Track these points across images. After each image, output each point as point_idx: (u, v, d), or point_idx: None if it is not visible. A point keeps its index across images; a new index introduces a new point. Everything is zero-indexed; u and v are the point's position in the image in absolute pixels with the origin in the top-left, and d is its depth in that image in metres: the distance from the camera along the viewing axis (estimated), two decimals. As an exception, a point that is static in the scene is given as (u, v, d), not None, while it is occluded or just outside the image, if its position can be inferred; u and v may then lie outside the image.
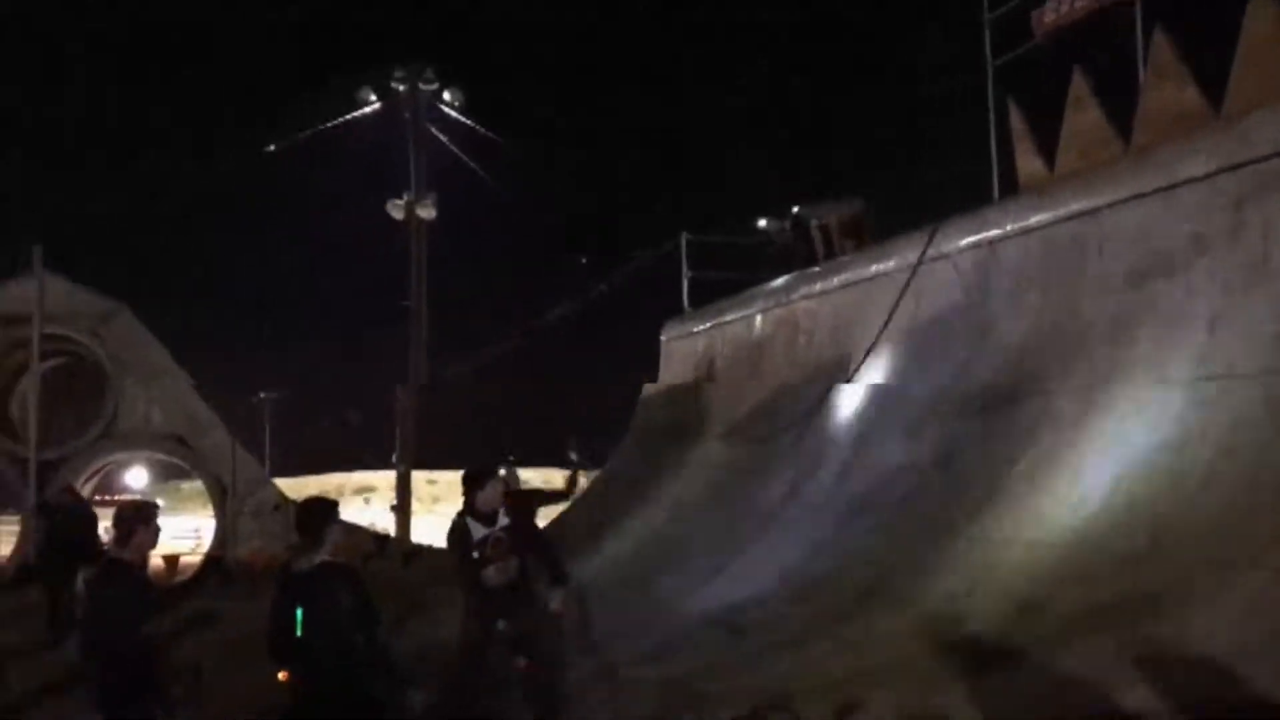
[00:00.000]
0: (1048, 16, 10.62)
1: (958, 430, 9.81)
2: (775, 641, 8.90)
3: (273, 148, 24.58)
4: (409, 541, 21.16)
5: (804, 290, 14.19)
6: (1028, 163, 11.08)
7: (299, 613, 5.78)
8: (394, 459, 23.80)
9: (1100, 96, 10.17)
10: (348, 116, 23.91)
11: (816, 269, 14.39)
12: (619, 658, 9.92)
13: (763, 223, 16.55)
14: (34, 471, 18.72)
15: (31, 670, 11.03)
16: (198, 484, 20.11)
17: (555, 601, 8.42)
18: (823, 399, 12.69)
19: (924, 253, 11.26)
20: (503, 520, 8.21)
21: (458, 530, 8.22)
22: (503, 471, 10.30)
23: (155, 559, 20.42)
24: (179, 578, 20.83)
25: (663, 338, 18.91)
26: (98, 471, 21.37)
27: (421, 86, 23.92)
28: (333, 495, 7.31)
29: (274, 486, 19.89)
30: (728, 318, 16.48)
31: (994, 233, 10.40)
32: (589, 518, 16.03)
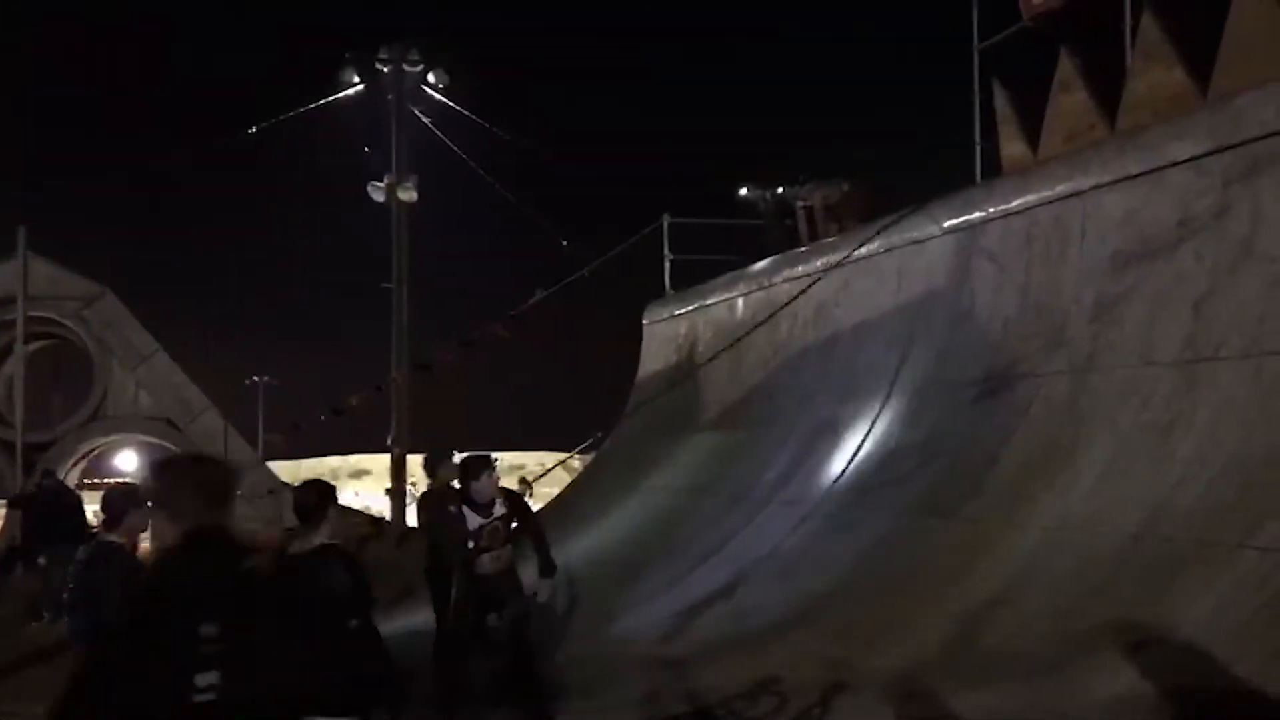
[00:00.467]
0: (1036, -1, 10.62)
1: (948, 413, 9.86)
2: (764, 625, 8.96)
3: (254, 129, 24.42)
4: (404, 524, 21.16)
5: (786, 273, 14.20)
6: (1012, 145, 11.09)
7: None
8: (389, 441, 23.78)
9: (1087, 79, 10.18)
10: (330, 98, 23.78)
11: (800, 250, 14.39)
12: (610, 640, 9.98)
13: (744, 191, 16.46)
14: (20, 455, 18.70)
15: (9, 646, 11.07)
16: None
17: (544, 593, 8.49)
18: (809, 384, 12.75)
19: (860, 244, 11.30)
20: (498, 509, 8.29)
21: (448, 515, 8.29)
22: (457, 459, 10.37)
23: (145, 542, 20.43)
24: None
25: (644, 320, 18.90)
26: (86, 455, 21.31)
27: (405, 68, 23.80)
28: (328, 479, 7.35)
29: (267, 470, 19.87)
30: (709, 300, 16.48)
31: (977, 214, 10.43)
32: (582, 501, 16.08)
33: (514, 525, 8.47)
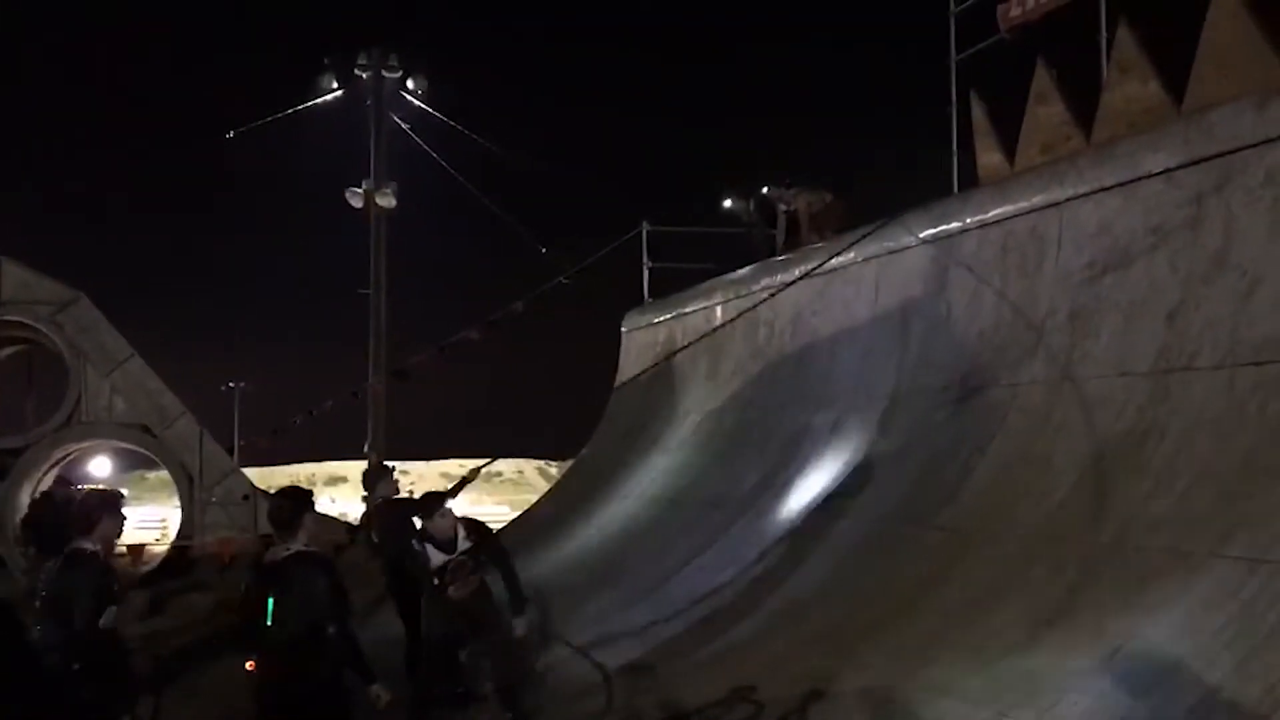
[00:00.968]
0: (1013, 11, 10.69)
1: (925, 422, 9.90)
2: (741, 634, 8.98)
3: (231, 134, 24.36)
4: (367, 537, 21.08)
5: (765, 281, 14.24)
6: (988, 156, 11.16)
7: (270, 601, 5.79)
8: (365, 448, 23.73)
9: (1063, 91, 10.26)
10: (310, 103, 23.74)
11: (778, 259, 14.42)
12: (586, 649, 9.98)
13: (728, 203, 16.46)
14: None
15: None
16: (164, 473, 19.90)
17: (520, 628, 8.53)
18: (786, 392, 12.78)
19: (837, 254, 11.35)
20: (463, 544, 8.34)
21: (415, 554, 8.42)
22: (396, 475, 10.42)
23: (120, 548, 20.27)
24: (144, 567, 20.65)
25: (623, 328, 18.92)
26: (60, 461, 21.14)
27: (385, 74, 23.78)
28: (304, 485, 7.35)
29: (243, 476, 19.77)
30: (688, 308, 16.51)
31: (954, 224, 10.49)
32: (561, 507, 16.08)
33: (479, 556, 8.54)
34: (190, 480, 19.13)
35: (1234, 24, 8.51)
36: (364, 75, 23.77)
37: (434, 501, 8.50)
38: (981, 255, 10.03)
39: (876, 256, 11.60)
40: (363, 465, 25.18)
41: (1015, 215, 9.65)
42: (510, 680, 8.54)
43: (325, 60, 24.01)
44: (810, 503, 10.59)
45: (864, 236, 11.45)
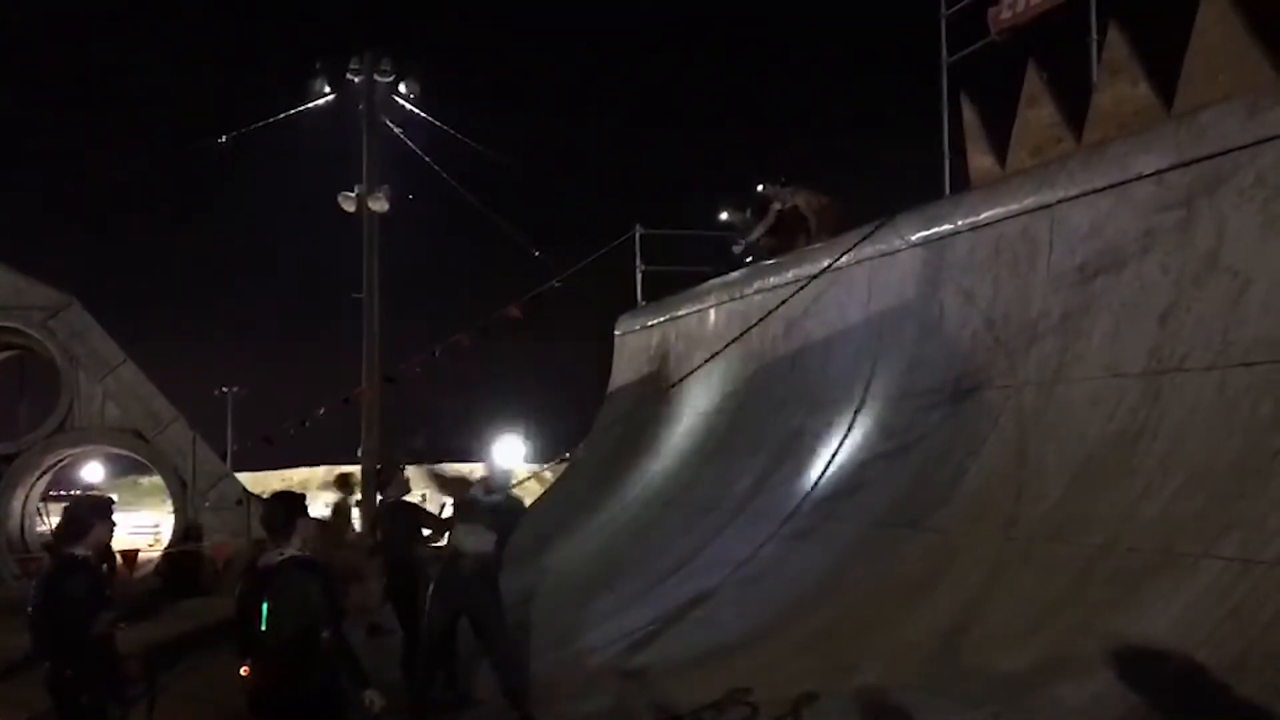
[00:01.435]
0: (1003, 14, 10.70)
1: (918, 424, 9.92)
2: (735, 636, 8.98)
3: (224, 138, 24.29)
4: (373, 536, 21.07)
5: (758, 284, 14.26)
6: (979, 159, 11.17)
7: (264, 606, 5.78)
8: (359, 453, 23.68)
9: (1053, 93, 10.28)
10: (302, 107, 23.70)
11: (772, 262, 14.43)
12: (581, 651, 9.97)
13: (724, 215, 16.44)
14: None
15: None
16: (157, 478, 19.88)
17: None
18: (780, 394, 12.79)
19: (834, 260, 11.37)
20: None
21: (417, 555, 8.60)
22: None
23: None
24: (137, 572, 20.62)
25: (616, 331, 18.92)
26: (52, 467, 21.10)
27: (377, 78, 23.75)
28: (298, 489, 7.36)
29: (236, 481, 19.75)
30: (681, 311, 16.52)
31: (946, 227, 10.51)
32: (554, 511, 16.06)
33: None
34: (183, 485, 19.12)
35: (1223, 26, 8.53)
36: (356, 79, 23.73)
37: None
38: (974, 257, 10.05)
39: (869, 259, 11.62)
40: (356, 470, 25.13)
41: (1007, 217, 9.67)
42: (512, 681, 8.54)
43: (318, 64, 23.98)
44: (803, 505, 10.60)
45: (860, 241, 11.46)
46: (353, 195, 23.34)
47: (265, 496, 7.57)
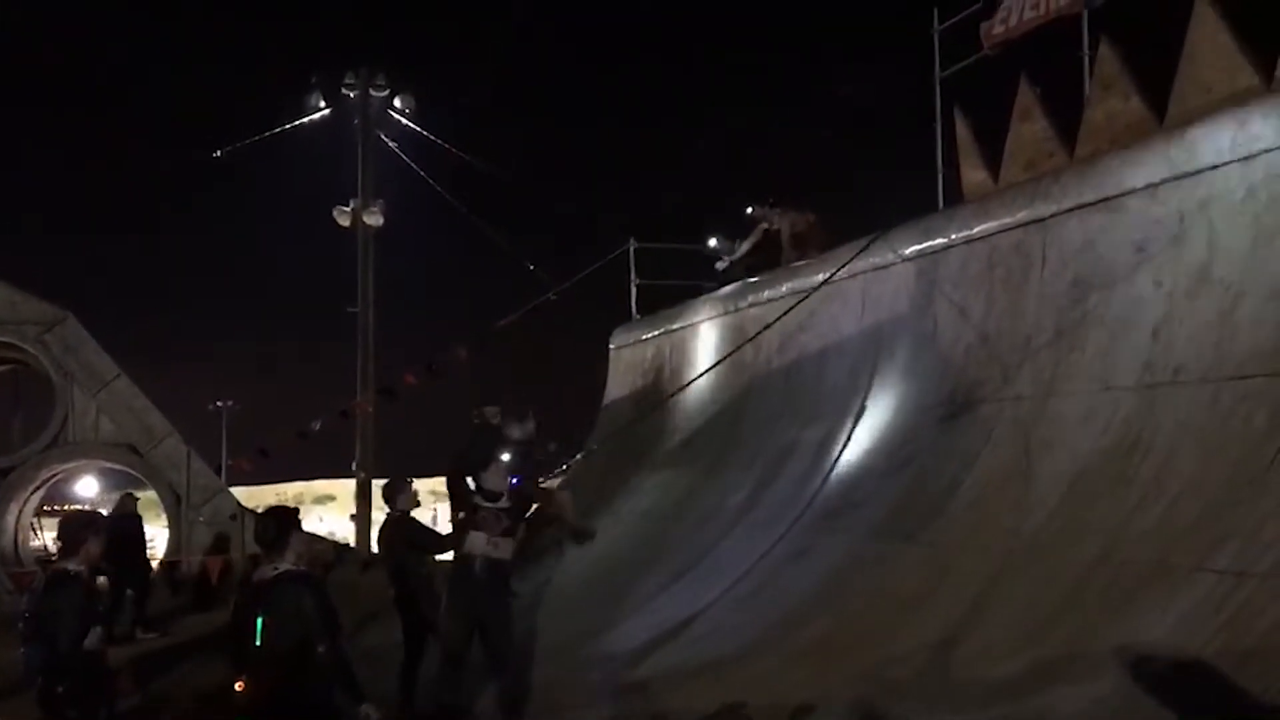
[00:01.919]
0: (996, 29, 10.76)
1: (912, 437, 9.93)
2: (730, 648, 8.97)
3: (219, 154, 24.35)
4: (368, 550, 21.06)
5: (752, 298, 14.30)
6: (973, 173, 11.22)
7: (259, 621, 5.77)
8: (354, 466, 23.67)
9: (1046, 108, 10.33)
10: (298, 122, 23.76)
11: (766, 276, 14.47)
12: (577, 664, 9.96)
13: (713, 242, 16.51)
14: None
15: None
16: (151, 493, 19.84)
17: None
18: (774, 408, 12.81)
19: (830, 275, 11.40)
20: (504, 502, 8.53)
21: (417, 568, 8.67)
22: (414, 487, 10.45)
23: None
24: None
25: (611, 345, 18.93)
26: (46, 481, 21.04)
27: (372, 93, 23.82)
28: (292, 504, 7.35)
29: (230, 495, 19.72)
30: (676, 325, 16.54)
31: (939, 241, 10.54)
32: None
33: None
34: (178, 500, 19.08)
35: (1215, 41, 8.58)
36: (351, 94, 23.80)
37: (488, 458, 8.73)
38: (967, 271, 10.08)
39: (863, 273, 11.65)
40: (351, 484, 25.11)
41: (1000, 231, 9.71)
42: (511, 691, 8.52)
43: (313, 79, 24.07)
44: (799, 518, 10.60)
45: (856, 256, 11.48)
46: (348, 209, 23.39)
47: (260, 511, 7.55)
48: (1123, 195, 8.37)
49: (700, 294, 16.21)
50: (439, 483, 9.70)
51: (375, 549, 10.64)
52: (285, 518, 6.15)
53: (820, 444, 11.34)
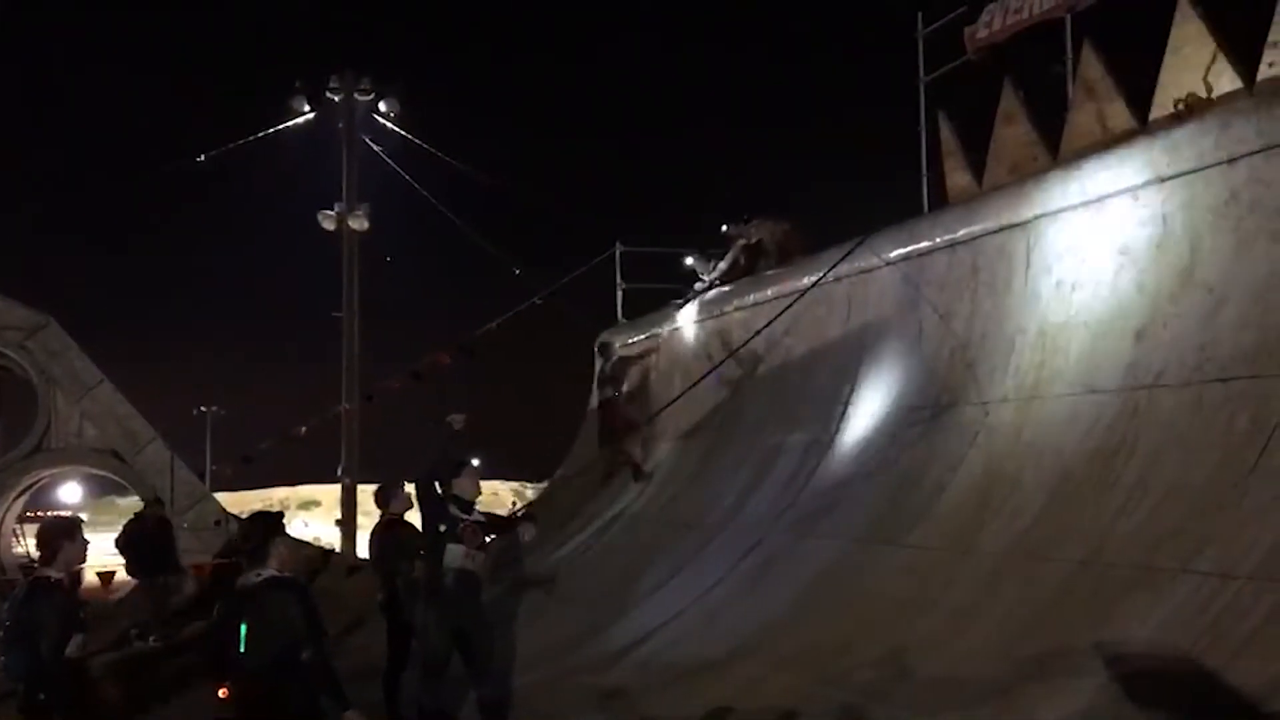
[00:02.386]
0: (980, 33, 10.79)
1: (897, 440, 9.93)
2: (716, 653, 8.96)
3: (202, 157, 24.22)
4: (353, 556, 21.00)
5: (737, 302, 14.30)
6: (957, 176, 11.24)
7: (243, 627, 5.74)
8: (339, 472, 23.57)
9: (1029, 111, 10.36)
10: (282, 125, 23.67)
11: (751, 278, 14.47)
12: (563, 669, 9.94)
13: (689, 260, 16.53)
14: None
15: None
16: (135, 499, 19.75)
17: (528, 533, 9.34)
18: (760, 412, 12.81)
19: (818, 279, 11.41)
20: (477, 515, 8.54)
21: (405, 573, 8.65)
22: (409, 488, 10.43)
23: (90, 575, 20.08)
24: (115, 594, 20.46)
25: (597, 348, 18.90)
26: (29, 488, 20.94)
27: (357, 96, 23.74)
28: (277, 509, 7.30)
29: (214, 501, 19.63)
30: (661, 329, 16.53)
31: (924, 244, 10.56)
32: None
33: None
34: (163, 506, 18.99)
35: (1197, 45, 8.62)
36: (336, 98, 23.72)
37: (462, 462, 8.70)
38: (951, 274, 10.09)
39: (848, 277, 11.65)
40: (336, 489, 25.03)
41: (984, 235, 9.73)
42: (491, 697, 8.51)
43: (297, 83, 23.96)
44: (784, 522, 10.60)
45: (841, 260, 11.48)
46: (332, 214, 23.30)
47: (243, 516, 7.53)
48: (1106, 198, 8.39)
49: (686, 297, 16.20)
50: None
51: (362, 554, 10.58)
52: (268, 523, 6.12)
53: (805, 448, 11.34)
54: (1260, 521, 6.05)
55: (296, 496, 58.86)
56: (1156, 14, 9.03)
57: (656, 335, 16.69)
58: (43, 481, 21.97)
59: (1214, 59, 8.46)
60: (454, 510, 8.45)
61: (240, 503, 31.55)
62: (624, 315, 18.45)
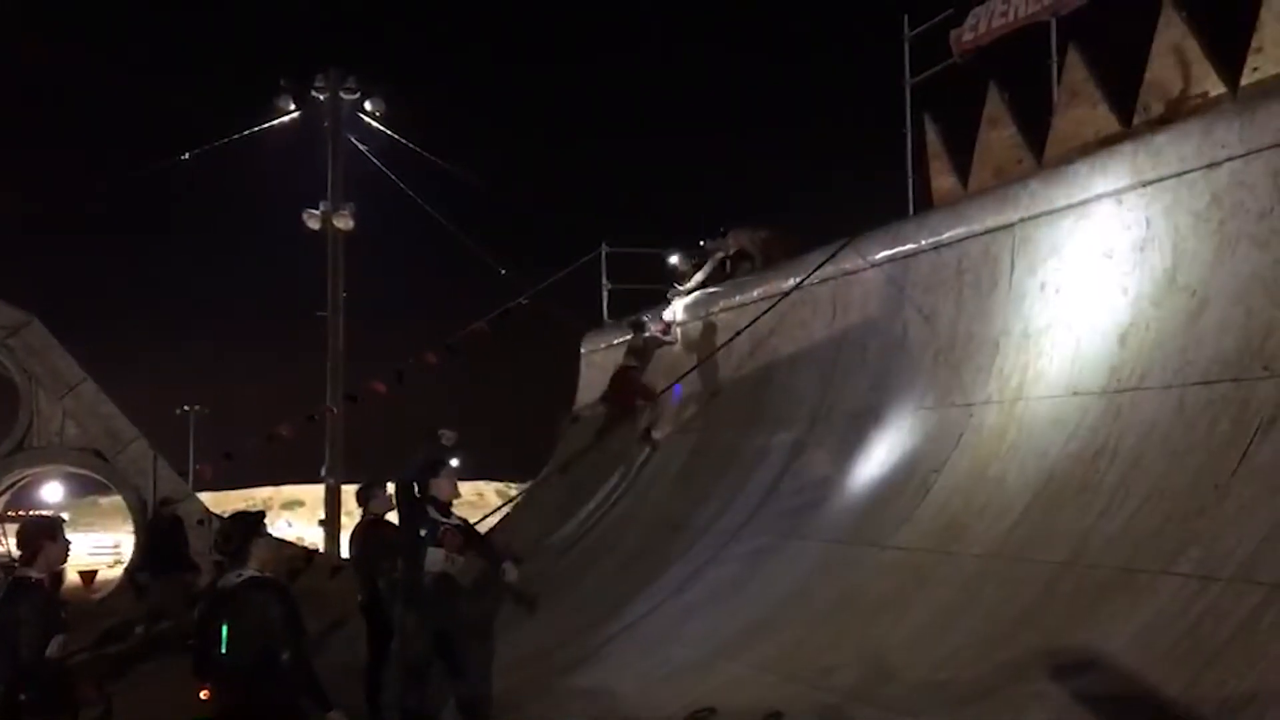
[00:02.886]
0: (966, 36, 10.83)
1: (881, 442, 9.95)
2: (699, 654, 8.96)
3: (187, 155, 24.14)
4: (337, 556, 20.95)
5: (723, 303, 14.31)
6: (942, 179, 11.28)
7: (224, 628, 5.72)
8: (323, 472, 23.52)
9: (1014, 114, 10.40)
10: (267, 124, 23.61)
11: (738, 280, 14.49)
12: (545, 670, 9.93)
13: (673, 259, 16.54)
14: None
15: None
16: (117, 498, 19.66)
17: (511, 573, 8.93)
18: (745, 413, 12.81)
19: (801, 280, 11.42)
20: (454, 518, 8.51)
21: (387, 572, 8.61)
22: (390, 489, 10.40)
23: (72, 574, 20.01)
24: (96, 593, 20.38)
25: (582, 350, 18.88)
26: (10, 487, 20.82)
27: (343, 95, 23.70)
28: (260, 509, 7.26)
29: (198, 500, 19.56)
30: (647, 330, 16.49)
31: (909, 246, 10.58)
32: (521, 530, 15.99)
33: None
34: (144, 505, 18.91)
35: (1180, 49, 8.67)
36: (321, 97, 23.68)
37: (439, 461, 8.68)
38: (936, 276, 10.11)
39: (833, 278, 11.67)
40: (319, 489, 24.97)
41: (969, 237, 9.75)
42: (469, 695, 8.50)
43: (282, 81, 23.91)
44: (767, 523, 10.60)
45: (826, 261, 11.50)
46: (317, 213, 23.26)
47: (223, 516, 7.49)
48: (1090, 201, 8.42)
49: (670, 299, 16.19)
50: None
51: (346, 554, 10.56)
52: (248, 523, 6.09)
53: (790, 449, 11.34)
54: (1241, 524, 6.07)
55: (280, 496, 58.65)
56: (1141, 18, 9.08)
57: (642, 336, 16.65)
58: (24, 481, 21.85)
59: (1198, 63, 8.51)
60: (432, 513, 8.42)
61: (224, 502, 31.45)
62: (610, 316, 18.43)
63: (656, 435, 14.52)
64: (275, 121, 23.72)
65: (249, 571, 5.87)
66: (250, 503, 44.75)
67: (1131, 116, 9.08)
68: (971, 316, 9.55)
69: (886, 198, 12.35)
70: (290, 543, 20.49)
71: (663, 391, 14.48)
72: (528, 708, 8.97)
